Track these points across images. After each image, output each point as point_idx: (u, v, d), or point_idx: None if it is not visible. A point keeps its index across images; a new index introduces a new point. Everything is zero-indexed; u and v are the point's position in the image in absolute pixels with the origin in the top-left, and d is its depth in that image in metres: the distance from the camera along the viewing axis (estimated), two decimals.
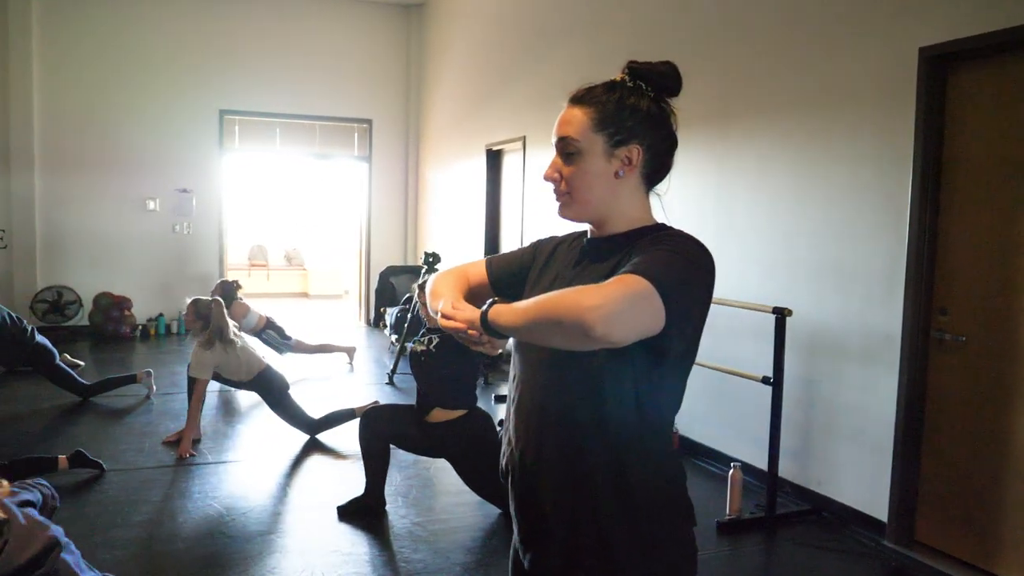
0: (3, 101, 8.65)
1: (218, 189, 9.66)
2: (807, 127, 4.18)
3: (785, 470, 4.20)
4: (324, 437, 5.28)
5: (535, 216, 7.07)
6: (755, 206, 4.55)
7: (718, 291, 4.60)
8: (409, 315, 7.57)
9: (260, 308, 7.66)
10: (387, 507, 4.05)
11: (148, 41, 9.19)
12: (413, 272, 9.43)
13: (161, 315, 9.42)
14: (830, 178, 4.04)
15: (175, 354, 8.17)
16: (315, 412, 5.35)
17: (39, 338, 6.06)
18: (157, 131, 9.28)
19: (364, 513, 3.96)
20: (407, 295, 8.55)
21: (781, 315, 3.85)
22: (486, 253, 8.05)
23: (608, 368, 1.32)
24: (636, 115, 1.39)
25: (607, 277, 1.33)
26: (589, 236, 1.49)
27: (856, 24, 3.87)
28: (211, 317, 5.11)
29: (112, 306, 8.99)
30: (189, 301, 5.23)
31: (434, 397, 3.91)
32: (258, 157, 10.63)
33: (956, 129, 3.47)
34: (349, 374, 7.53)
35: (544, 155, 6.66)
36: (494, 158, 8.08)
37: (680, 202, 5.13)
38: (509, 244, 7.83)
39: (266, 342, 7.44)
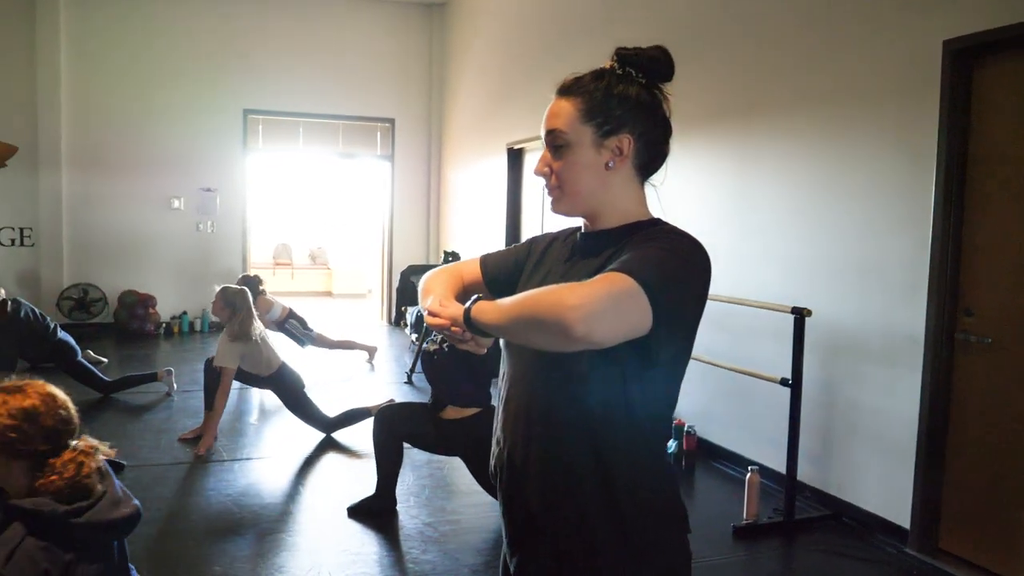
0: (31, 101, 8.76)
1: (242, 188, 9.71)
2: (828, 123, 4.08)
3: (804, 474, 4.11)
4: (340, 436, 5.26)
5: (556, 215, 7.02)
6: (775, 203, 4.46)
7: (736, 290, 4.55)
8: None
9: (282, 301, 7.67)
10: (398, 507, 4.02)
11: (173, 41, 9.25)
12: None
13: (184, 313, 9.48)
14: (852, 175, 3.94)
15: (197, 352, 8.21)
16: (333, 411, 5.34)
17: (61, 334, 6.12)
18: (182, 130, 9.35)
19: (375, 513, 3.93)
20: None
21: (800, 315, 3.76)
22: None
23: (595, 368, 1.26)
24: (625, 103, 1.34)
25: (597, 273, 1.28)
26: (582, 231, 1.44)
27: (878, 17, 3.77)
28: (239, 304, 5.10)
29: (137, 304, 9.07)
30: (218, 289, 5.22)
31: (447, 395, 3.88)
32: (281, 156, 10.67)
33: (982, 125, 3.37)
34: (369, 373, 7.53)
35: None
36: (515, 157, 8.03)
37: (699, 199, 5.06)
38: None
39: (289, 332, 7.41)
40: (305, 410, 5.21)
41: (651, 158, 1.39)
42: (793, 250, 4.31)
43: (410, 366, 7.25)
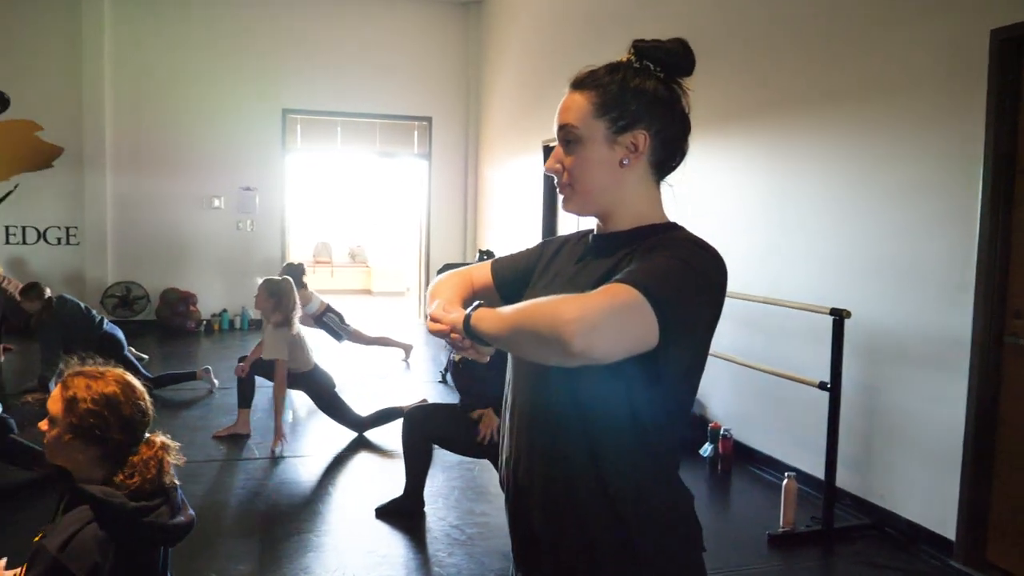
0: (76, 103, 8.93)
1: (281, 187, 9.79)
2: (868, 117, 3.94)
3: (844, 481, 3.98)
4: (372, 435, 5.25)
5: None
6: (813, 201, 4.33)
7: (773, 290, 4.42)
8: None
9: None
10: (426, 508, 3.98)
11: (215, 42, 9.36)
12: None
13: (225, 311, 9.59)
14: (893, 171, 3.79)
15: (236, 349, 8.29)
16: (367, 409, 5.34)
17: (108, 326, 6.24)
18: (222, 130, 9.46)
19: (402, 514, 3.90)
20: None
21: (839, 317, 3.63)
22: None
23: (599, 381, 1.20)
24: (641, 98, 1.27)
25: (606, 276, 1.22)
26: (594, 232, 1.38)
27: (921, 6, 3.62)
28: (283, 295, 5.09)
29: (178, 301, 9.20)
30: (260, 282, 5.19)
31: (475, 397, 3.83)
32: (320, 156, 10.74)
33: None
34: (405, 371, 7.52)
35: None
36: (551, 154, 7.95)
37: (734, 197, 4.94)
38: None
39: (326, 327, 7.43)
40: (337, 410, 5.20)
41: (668, 156, 1.32)
42: (831, 249, 4.18)
43: (444, 365, 7.23)
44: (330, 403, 5.18)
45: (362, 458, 4.88)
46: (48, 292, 6.32)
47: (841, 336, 3.65)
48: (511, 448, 1.37)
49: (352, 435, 5.23)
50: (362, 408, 5.35)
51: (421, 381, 7.08)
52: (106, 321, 6.30)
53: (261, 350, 5.17)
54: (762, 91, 4.71)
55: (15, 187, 8.93)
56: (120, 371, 1.85)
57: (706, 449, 4.83)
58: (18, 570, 1.80)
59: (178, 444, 1.91)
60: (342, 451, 4.97)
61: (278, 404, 4.92)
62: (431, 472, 4.06)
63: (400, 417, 5.19)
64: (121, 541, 1.72)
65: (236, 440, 5.06)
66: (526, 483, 1.32)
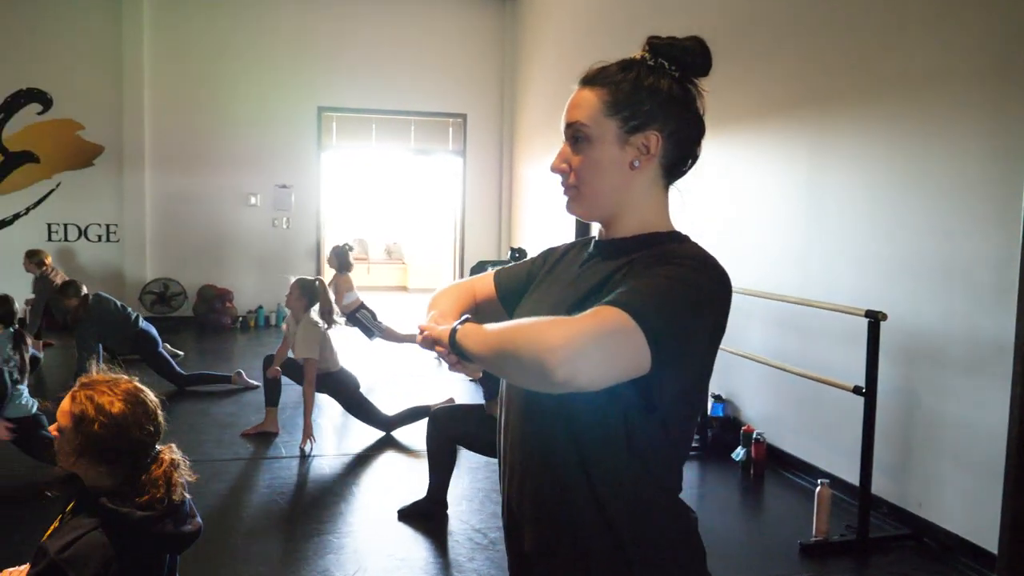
0: (117, 102, 9.06)
1: (316, 185, 9.84)
2: (908, 111, 3.78)
3: (881, 488, 3.84)
4: (400, 434, 5.22)
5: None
6: (849, 199, 4.18)
7: (806, 291, 4.28)
8: None
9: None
10: (450, 511, 3.93)
11: (251, 42, 9.43)
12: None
13: (260, 307, 9.67)
14: (934, 168, 3.64)
15: (271, 346, 8.30)
16: (396, 407, 5.31)
17: (143, 324, 6.31)
18: (259, 128, 9.52)
19: (425, 516, 3.85)
20: None
21: (875, 319, 3.49)
22: None
23: (593, 402, 1.11)
24: (655, 97, 1.20)
25: (607, 279, 1.16)
26: (597, 238, 1.31)
27: None
28: (316, 294, 5.08)
29: (215, 298, 9.30)
30: (292, 281, 5.19)
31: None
32: (355, 153, 10.77)
33: None
34: (437, 369, 7.49)
35: None
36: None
37: (768, 194, 4.81)
38: None
39: (359, 323, 7.44)
40: (364, 411, 5.18)
41: (680, 159, 1.25)
42: (868, 249, 4.03)
43: None
44: (356, 404, 5.16)
45: (388, 457, 4.85)
46: (85, 290, 6.41)
47: (877, 339, 3.51)
48: (504, 463, 1.31)
49: (379, 434, 5.21)
50: (392, 407, 5.33)
51: (452, 380, 7.04)
52: (141, 319, 6.37)
53: (286, 349, 5.17)
54: (798, 86, 4.56)
55: (57, 185, 9.15)
56: (133, 385, 1.81)
57: (738, 453, 4.70)
58: (26, 566, 1.79)
59: (188, 459, 1.87)
60: (368, 450, 4.95)
61: (308, 404, 4.90)
62: (456, 474, 4.01)
63: (426, 416, 5.16)
64: (126, 550, 1.70)
65: (264, 438, 5.07)
66: (518, 500, 1.26)
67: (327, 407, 5.90)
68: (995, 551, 3.31)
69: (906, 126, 3.80)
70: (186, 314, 9.38)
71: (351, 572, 3.28)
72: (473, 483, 4.37)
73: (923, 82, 3.70)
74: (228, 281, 9.52)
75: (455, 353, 1.15)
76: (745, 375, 5.01)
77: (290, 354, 5.22)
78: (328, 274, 8.34)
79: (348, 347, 5.39)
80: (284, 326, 5.64)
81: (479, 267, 9.57)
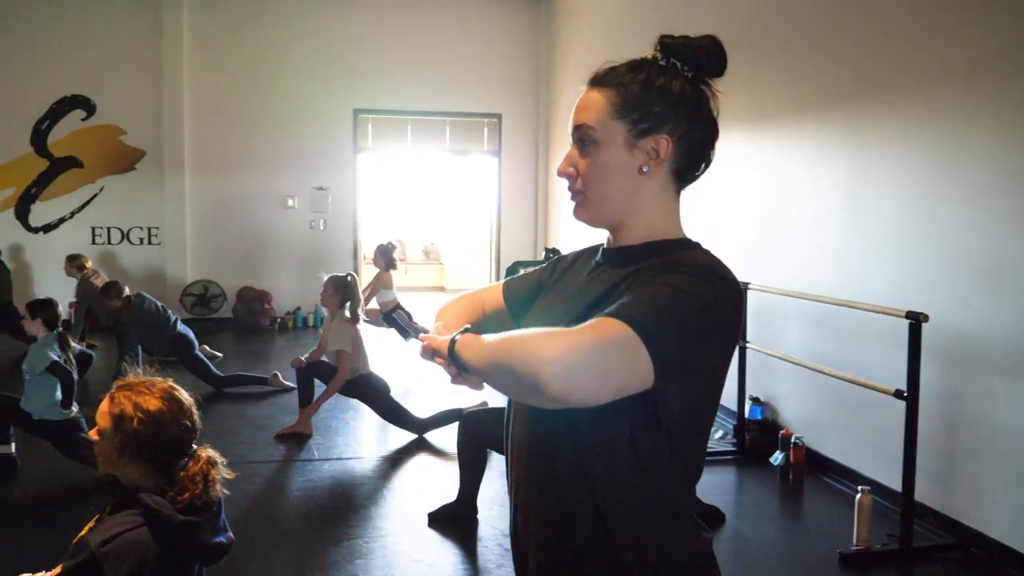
0: (157, 107, 9.19)
1: (352, 186, 9.88)
2: (950, 106, 3.64)
3: (925, 495, 3.70)
4: (432, 436, 5.19)
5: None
6: (889, 196, 4.04)
7: (845, 291, 4.15)
8: None
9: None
10: (480, 515, 3.89)
11: (288, 45, 9.49)
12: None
13: (298, 308, 9.74)
14: (979, 164, 3.50)
15: (309, 347, 8.33)
16: (430, 410, 5.29)
17: (181, 327, 6.40)
18: (296, 131, 9.58)
19: (455, 520, 3.82)
20: None
21: (916, 320, 3.36)
22: None
23: (597, 416, 1.06)
24: (665, 99, 1.15)
25: (614, 287, 1.11)
26: (605, 246, 1.25)
27: None
28: (349, 290, 5.13)
29: (254, 299, 9.39)
30: (325, 279, 5.27)
31: None
32: (391, 155, 10.79)
33: None
34: None
35: None
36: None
37: (805, 191, 4.69)
38: None
39: (395, 323, 7.44)
40: (395, 414, 5.16)
41: (691, 164, 1.20)
42: (909, 248, 3.89)
43: None
44: (387, 408, 5.15)
45: (420, 460, 4.83)
46: (127, 291, 6.51)
47: (918, 341, 3.38)
48: (510, 477, 1.27)
49: (411, 437, 5.19)
50: (424, 409, 5.31)
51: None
52: (179, 322, 6.45)
53: (321, 351, 5.19)
54: (835, 81, 4.43)
55: (101, 190, 9.32)
56: (168, 384, 1.86)
57: (776, 458, 4.59)
58: (57, 568, 1.81)
59: (224, 459, 1.90)
60: (400, 452, 4.93)
61: (328, 391, 5.00)
62: (487, 478, 3.97)
63: (458, 419, 5.13)
64: (164, 552, 1.73)
65: (298, 440, 5.08)
66: (523, 516, 1.22)
67: (364, 409, 5.91)
68: None
69: (948, 121, 3.66)
70: (225, 316, 9.49)
71: None
72: (504, 488, 4.30)
73: (966, 76, 3.56)
74: (267, 283, 9.60)
75: (454, 364, 1.11)
76: (783, 377, 4.89)
77: (324, 358, 5.24)
78: (367, 275, 8.38)
79: (380, 350, 5.37)
80: (322, 330, 5.69)
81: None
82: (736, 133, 5.32)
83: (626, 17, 7.59)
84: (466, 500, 3.86)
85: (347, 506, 4.05)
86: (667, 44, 1.18)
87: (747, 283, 4.72)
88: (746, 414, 4.90)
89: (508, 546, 3.45)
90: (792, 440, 4.47)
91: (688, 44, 1.17)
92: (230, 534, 1.91)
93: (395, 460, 4.81)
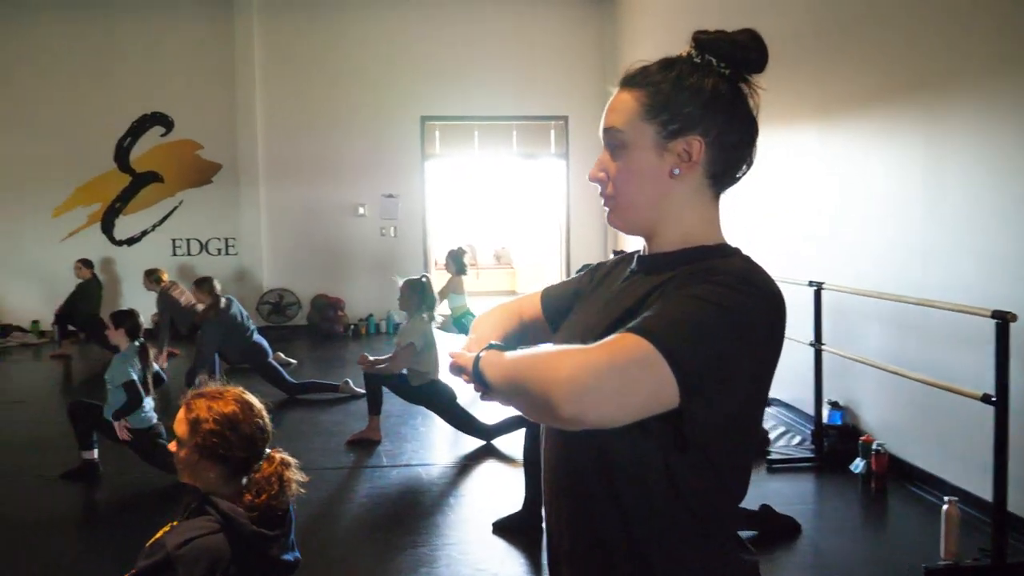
0: (231, 121, 9.46)
1: (421, 193, 9.96)
2: None
3: (1019, 506, 3.47)
4: (501, 442, 5.16)
5: (733, 213, 6.50)
6: (971, 189, 3.82)
7: (925, 290, 3.95)
8: None
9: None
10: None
11: (355, 56, 9.65)
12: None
13: (371, 315, 9.86)
14: None
15: (381, 352, 8.43)
16: (497, 416, 5.26)
17: (256, 337, 6.55)
18: (365, 140, 9.73)
19: (520, 530, 3.77)
20: None
21: (1003, 320, 3.15)
22: None
23: (626, 437, 1.00)
24: (698, 98, 1.08)
25: (647, 296, 1.05)
26: (640, 253, 1.19)
27: None
28: (427, 289, 5.22)
29: (327, 307, 9.56)
30: (401, 282, 5.34)
31: None
32: (458, 160, 10.85)
33: None
34: None
35: None
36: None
37: (880, 185, 4.48)
38: None
39: (465, 329, 7.48)
40: (462, 421, 5.15)
41: (727, 166, 1.13)
42: (994, 244, 3.67)
43: None
44: (453, 415, 5.14)
45: (487, 467, 4.80)
46: (219, 289, 6.68)
47: (1006, 342, 3.16)
48: (544, 495, 1.22)
49: (480, 442, 5.16)
50: (493, 415, 5.28)
51: None
52: (255, 332, 6.59)
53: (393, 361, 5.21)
54: (911, 68, 4.22)
55: (180, 203, 9.64)
56: (239, 390, 1.94)
57: (857, 465, 4.39)
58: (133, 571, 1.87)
59: (297, 461, 1.94)
60: (468, 459, 4.92)
61: (386, 366, 5.09)
62: None
63: (524, 425, 5.09)
64: (236, 559, 1.78)
65: (367, 447, 5.12)
66: (557, 536, 1.18)
67: (434, 415, 5.92)
68: None
69: None
70: (300, 323, 9.68)
71: None
72: None
73: None
74: (340, 290, 9.76)
75: (478, 382, 1.06)
76: (863, 380, 4.69)
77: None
78: (438, 281, 8.43)
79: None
80: (396, 336, 5.76)
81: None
82: (806, 126, 5.13)
83: (690, 14, 7.43)
84: (532, 509, 3.80)
85: (414, 513, 4.05)
86: (701, 40, 1.12)
87: (820, 283, 4.54)
88: (824, 419, 4.71)
89: None
90: (873, 446, 4.27)
91: (723, 39, 1.11)
92: (298, 554, 1.94)
93: (463, 467, 4.80)
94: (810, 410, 4.77)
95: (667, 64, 1.12)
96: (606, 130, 1.14)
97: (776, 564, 3.45)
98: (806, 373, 4.72)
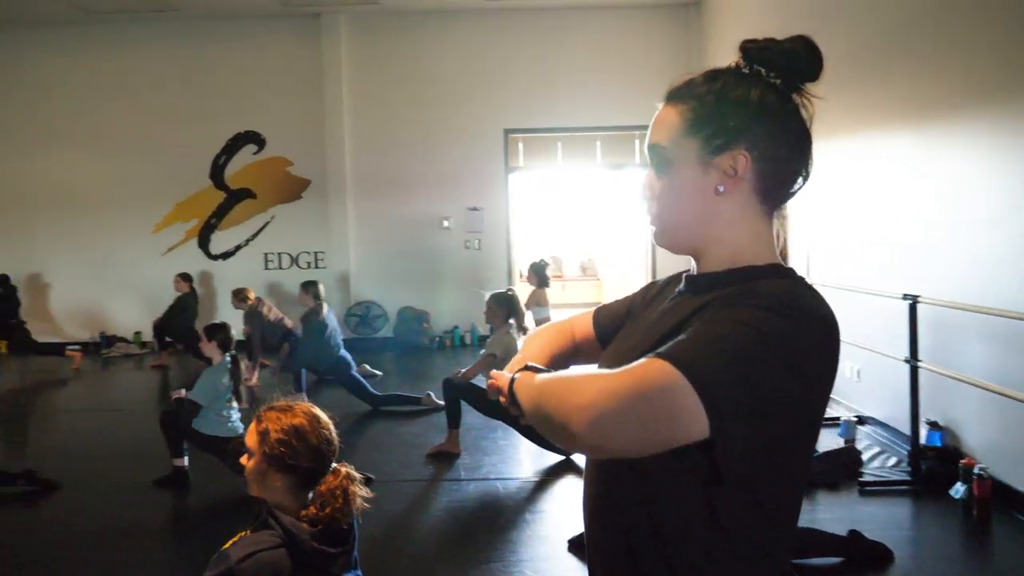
0: (320, 137, 9.72)
1: (505, 206, 9.99)
2: None
3: None
4: (582, 459, 5.09)
5: (825, 226, 6.27)
6: None
7: None
8: None
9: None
10: None
11: (440, 69, 9.77)
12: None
13: (456, 327, 9.93)
14: None
15: (467, 365, 8.51)
16: None
17: (342, 351, 6.69)
18: (449, 153, 9.83)
19: None
20: None
21: None
22: None
23: (664, 466, 0.94)
24: (743, 110, 1.03)
25: (684, 321, 0.99)
26: (687, 274, 1.14)
27: None
28: (512, 303, 5.24)
29: (413, 319, 9.68)
30: (488, 296, 5.36)
31: None
32: (542, 172, 10.84)
33: None
34: None
35: (831, 154, 5.91)
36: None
37: (981, 194, 4.22)
38: (796, 258, 7.07)
39: None
40: (539, 436, 5.08)
41: (778, 181, 1.06)
42: None
43: None
44: (531, 430, 5.03)
45: (566, 483, 4.73)
46: (323, 294, 6.93)
47: None
48: (584, 523, 1.18)
49: (559, 457, 5.10)
50: None
51: None
52: (342, 347, 6.73)
53: (471, 368, 5.25)
54: (1016, 65, 3.96)
55: (272, 218, 9.95)
56: (308, 405, 1.99)
57: (957, 490, 4.12)
58: None
59: (362, 476, 1.96)
60: (547, 474, 4.86)
61: (465, 373, 5.16)
62: None
63: None
64: (297, 575, 1.80)
65: (447, 460, 5.13)
66: (593, 564, 1.15)
67: (507, 429, 5.90)
68: None
69: None
70: (386, 335, 9.83)
71: None
72: None
73: None
74: (425, 302, 9.87)
75: (513, 405, 1.02)
76: (965, 399, 4.41)
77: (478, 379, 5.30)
78: (522, 294, 8.44)
79: None
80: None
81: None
82: (899, 130, 4.89)
83: (779, 18, 7.22)
84: None
85: (489, 528, 4.02)
86: (749, 50, 1.06)
87: (915, 296, 4.30)
88: (922, 439, 4.46)
89: None
90: (976, 470, 4.00)
91: (771, 48, 1.05)
92: (360, 572, 1.95)
93: (542, 482, 4.74)
94: (907, 430, 4.52)
95: (712, 76, 1.07)
96: (649, 147, 1.10)
97: None
98: (902, 390, 4.47)
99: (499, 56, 9.76)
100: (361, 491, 1.93)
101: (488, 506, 4.36)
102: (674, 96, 1.09)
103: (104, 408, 7.11)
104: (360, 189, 9.84)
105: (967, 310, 4.10)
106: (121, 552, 3.83)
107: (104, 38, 9.72)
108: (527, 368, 1.05)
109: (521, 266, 10.73)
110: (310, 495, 1.91)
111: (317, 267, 9.92)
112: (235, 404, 4.72)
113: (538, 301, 7.45)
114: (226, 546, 1.85)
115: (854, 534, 3.52)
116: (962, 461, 4.17)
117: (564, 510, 4.26)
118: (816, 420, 0.99)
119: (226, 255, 9.98)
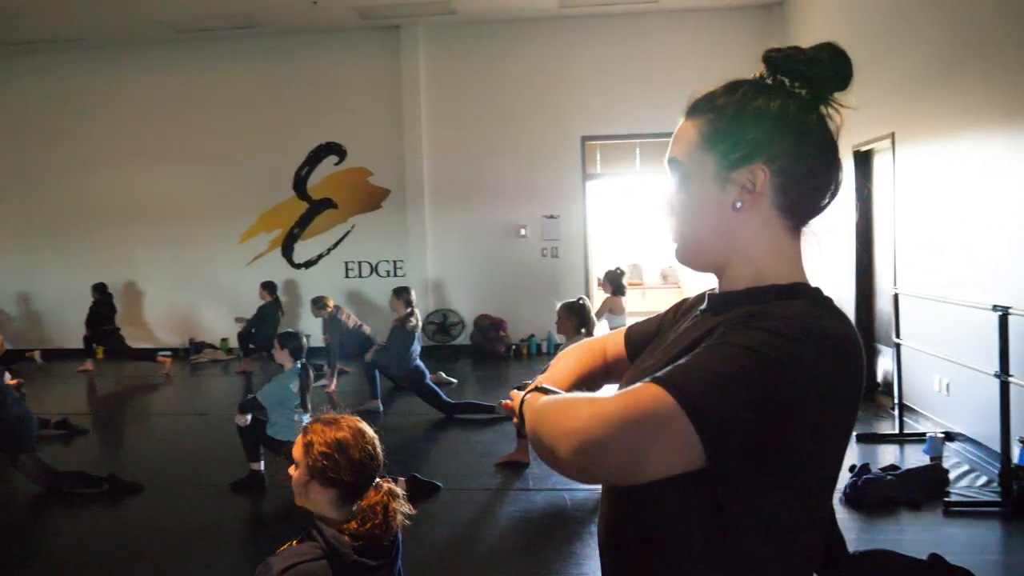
0: (398, 148, 9.89)
1: (582, 213, 9.93)
2: None
3: None
4: None
5: (911, 232, 5.99)
6: None
7: None
8: None
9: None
10: None
11: (515, 78, 9.80)
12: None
13: (532, 335, 9.93)
14: None
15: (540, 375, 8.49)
16: None
17: (417, 361, 6.78)
18: (526, 161, 9.85)
19: None
20: None
21: None
22: (856, 273, 7.07)
23: (674, 493, 0.91)
24: (761, 123, 0.98)
25: (698, 342, 0.96)
26: (709, 292, 1.10)
27: None
28: (583, 313, 5.20)
29: (490, 327, 9.72)
30: (559, 306, 5.36)
31: None
32: (619, 179, 10.74)
33: None
34: None
35: (922, 157, 5.65)
36: (863, 161, 7.08)
37: None
38: (882, 266, 6.78)
39: None
40: None
41: (801, 196, 1.00)
42: None
43: None
44: None
45: None
46: (415, 300, 7.03)
47: None
48: (599, 548, 1.15)
49: None
50: None
51: None
52: (417, 357, 6.81)
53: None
54: None
55: (352, 227, 10.17)
56: (355, 419, 2.00)
57: None
58: None
59: (404, 492, 1.97)
60: None
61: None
62: None
63: None
64: None
65: (516, 469, 5.12)
66: None
67: None
68: None
69: None
70: (464, 343, 9.90)
71: None
72: None
73: None
74: (502, 310, 9.90)
75: (523, 426, 1.01)
76: None
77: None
78: (599, 301, 8.39)
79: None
80: None
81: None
82: (992, 132, 4.63)
83: (864, 20, 6.96)
84: None
85: (552, 539, 3.99)
86: (773, 59, 1.01)
87: (1007, 307, 4.07)
88: (1014, 458, 4.20)
89: None
90: None
91: (794, 57, 1.00)
92: None
93: None
94: (998, 447, 4.27)
95: (732, 87, 1.03)
96: (668, 162, 1.07)
97: None
98: (992, 407, 4.23)
99: (574, 63, 9.73)
100: (403, 507, 1.93)
101: (554, 516, 4.32)
102: (694, 110, 1.06)
103: (190, 412, 7.40)
104: (438, 198, 9.95)
105: None
106: (196, 554, 3.96)
107: (193, 56, 10.14)
108: (538, 389, 1.03)
109: (600, 274, 10.65)
110: (354, 508, 1.92)
111: (396, 275, 10.07)
112: (304, 410, 4.83)
113: (612, 309, 7.38)
114: (278, 552, 1.88)
115: (935, 558, 3.33)
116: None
117: None
118: (835, 451, 0.93)
119: (308, 264, 10.25)
